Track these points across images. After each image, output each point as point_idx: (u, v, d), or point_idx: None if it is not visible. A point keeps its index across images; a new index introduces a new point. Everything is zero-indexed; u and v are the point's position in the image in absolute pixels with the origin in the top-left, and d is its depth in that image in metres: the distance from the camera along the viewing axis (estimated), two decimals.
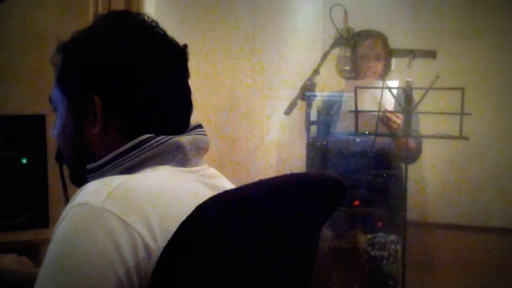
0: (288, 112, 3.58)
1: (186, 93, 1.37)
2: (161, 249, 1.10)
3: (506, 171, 3.86)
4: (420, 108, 3.29)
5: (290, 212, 1.27)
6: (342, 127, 3.64)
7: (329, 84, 3.87)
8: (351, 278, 3.61)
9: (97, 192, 1.12)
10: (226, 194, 1.14)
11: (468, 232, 3.97)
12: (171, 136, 1.28)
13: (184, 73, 1.37)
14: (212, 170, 1.38)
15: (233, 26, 4.15)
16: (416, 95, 3.31)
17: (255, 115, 4.21)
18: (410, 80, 3.28)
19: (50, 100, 1.39)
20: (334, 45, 3.56)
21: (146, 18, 1.36)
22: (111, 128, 1.29)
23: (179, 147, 1.28)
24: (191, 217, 1.10)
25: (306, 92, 3.49)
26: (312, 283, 1.47)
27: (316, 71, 3.53)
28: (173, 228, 1.10)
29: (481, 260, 3.90)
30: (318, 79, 3.57)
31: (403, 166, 3.53)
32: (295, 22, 4.18)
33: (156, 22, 1.37)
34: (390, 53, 3.59)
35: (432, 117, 3.46)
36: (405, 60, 3.41)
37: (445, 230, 4.03)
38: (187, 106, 1.37)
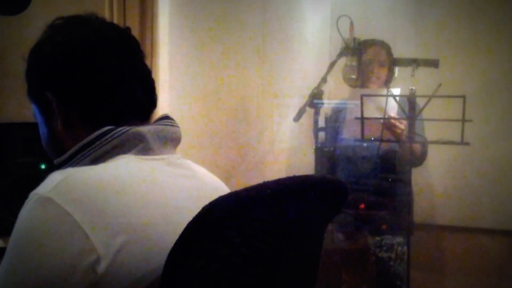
0: (296, 119, 3.57)
1: (140, 74, 1.37)
2: (100, 239, 1.10)
3: (505, 174, 3.85)
4: (424, 115, 3.29)
5: (294, 213, 1.26)
6: (349, 133, 3.63)
7: (336, 92, 3.86)
8: (359, 278, 3.60)
9: (47, 183, 1.15)
10: (231, 195, 1.14)
11: (471, 234, 3.96)
12: (131, 127, 1.28)
13: (133, 55, 1.37)
14: (183, 161, 1.37)
15: (244, 37, 4.16)
16: (419, 103, 3.30)
17: (265, 122, 4.21)
18: (413, 88, 3.28)
19: (34, 115, 1.41)
20: (340, 55, 3.56)
21: (92, 16, 1.37)
22: (74, 121, 1.31)
23: (139, 136, 1.28)
24: (198, 217, 1.09)
25: (314, 100, 3.48)
26: (322, 283, 1.45)
27: (323, 80, 3.53)
28: (120, 211, 1.13)
29: (483, 261, 3.89)
30: (326, 87, 3.56)
31: (407, 170, 3.52)
32: (303, 33, 4.17)
33: (102, 18, 1.39)
34: (394, 61, 3.58)
35: (435, 124, 3.45)
36: (409, 69, 3.40)
37: (449, 232, 4.02)
38: (145, 86, 1.37)
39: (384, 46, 3.66)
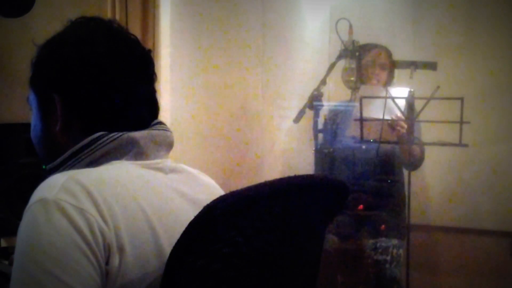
0: (296, 120, 3.57)
1: (147, 95, 1.36)
2: (112, 231, 1.11)
3: (503, 176, 3.85)
4: (422, 117, 3.29)
5: (295, 212, 1.26)
6: (348, 134, 3.63)
7: (335, 94, 3.85)
8: (356, 280, 3.59)
9: (50, 187, 1.12)
10: (233, 194, 1.13)
11: (469, 235, 3.95)
12: (124, 132, 1.27)
13: (146, 76, 1.36)
14: (177, 165, 1.36)
15: (244, 39, 4.16)
16: (418, 105, 3.29)
17: (265, 123, 4.21)
18: (412, 90, 3.27)
19: (27, 100, 1.39)
20: (340, 57, 3.56)
21: (114, 24, 1.35)
22: (74, 126, 1.29)
23: (132, 142, 1.27)
24: (199, 216, 1.09)
25: (314, 102, 3.48)
26: (318, 285, 1.45)
27: (323, 82, 3.53)
28: (119, 211, 1.12)
29: (479, 261, 3.89)
30: (325, 89, 3.56)
31: (405, 172, 3.51)
32: (303, 35, 4.17)
33: (124, 28, 1.37)
34: (393, 64, 3.59)
35: (433, 126, 3.46)
36: (407, 71, 3.41)
37: (447, 233, 4.02)
38: (149, 108, 1.36)
39: (385, 49, 3.68)
